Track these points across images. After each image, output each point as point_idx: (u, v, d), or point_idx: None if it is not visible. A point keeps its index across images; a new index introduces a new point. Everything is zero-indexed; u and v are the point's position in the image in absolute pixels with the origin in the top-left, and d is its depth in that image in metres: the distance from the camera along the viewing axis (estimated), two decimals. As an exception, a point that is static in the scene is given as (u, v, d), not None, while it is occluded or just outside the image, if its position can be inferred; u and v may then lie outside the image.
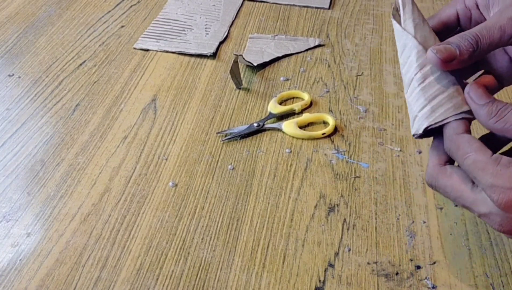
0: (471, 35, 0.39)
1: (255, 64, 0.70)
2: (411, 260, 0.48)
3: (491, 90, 0.42)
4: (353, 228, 0.50)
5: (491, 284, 0.46)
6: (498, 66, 0.44)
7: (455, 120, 0.40)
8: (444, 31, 0.44)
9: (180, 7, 0.84)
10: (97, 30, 0.79)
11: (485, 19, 0.42)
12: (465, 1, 0.43)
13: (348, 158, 0.57)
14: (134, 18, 0.81)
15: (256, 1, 0.85)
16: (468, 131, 0.39)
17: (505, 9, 0.39)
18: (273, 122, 0.62)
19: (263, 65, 0.71)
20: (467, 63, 0.40)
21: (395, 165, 0.57)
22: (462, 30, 0.42)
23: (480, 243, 0.49)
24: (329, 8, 0.84)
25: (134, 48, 0.75)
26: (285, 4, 0.85)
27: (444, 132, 0.40)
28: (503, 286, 0.46)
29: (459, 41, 0.39)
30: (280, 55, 0.73)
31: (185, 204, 0.53)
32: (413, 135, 0.43)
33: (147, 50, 0.74)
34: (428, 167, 0.42)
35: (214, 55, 0.73)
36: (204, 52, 0.73)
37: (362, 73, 0.70)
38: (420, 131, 0.41)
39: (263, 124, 0.61)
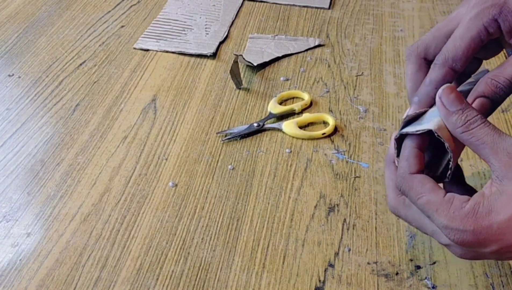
0: (503, 83, 0.38)
1: (255, 64, 0.70)
2: (411, 260, 0.48)
3: (483, 114, 0.40)
4: (353, 228, 0.50)
5: (491, 284, 0.46)
6: None
7: (408, 154, 0.38)
8: (466, 67, 0.40)
9: (180, 7, 0.84)
10: (97, 30, 0.79)
11: (500, 44, 0.41)
12: (488, 29, 0.39)
13: (348, 158, 0.57)
14: (134, 18, 0.81)
15: (256, 1, 0.85)
16: (421, 169, 0.38)
17: None
18: (273, 122, 0.62)
19: (263, 65, 0.71)
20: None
21: (395, 165, 0.56)
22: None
23: (480, 243, 0.49)
24: (329, 8, 0.84)
25: (134, 48, 0.75)
26: (285, 4, 0.85)
27: (399, 167, 0.39)
28: (503, 286, 0.46)
29: (492, 91, 0.38)
30: (280, 55, 0.73)
31: (185, 204, 0.53)
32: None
33: (147, 50, 0.74)
34: (387, 196, 0.41)
35: (214, 55, 0.73)
36: (204, 52, 0.73)
37: (362, 73, 0.70)
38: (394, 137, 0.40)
39: (263, 124, 0.61)
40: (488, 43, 0.40)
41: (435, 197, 0.36)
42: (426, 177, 0.38)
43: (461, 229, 0.35)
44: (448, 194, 0.36)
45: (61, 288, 0.45)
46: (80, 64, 0.72)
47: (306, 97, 0.65)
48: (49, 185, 0.54)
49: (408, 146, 0.39)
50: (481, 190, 0.37)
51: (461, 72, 0.41)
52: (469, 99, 0.39)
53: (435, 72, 0.40)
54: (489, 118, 0.42)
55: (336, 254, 0.48)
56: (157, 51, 0.74)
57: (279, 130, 0.61)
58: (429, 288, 0.45)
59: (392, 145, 0.41)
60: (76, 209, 0.52)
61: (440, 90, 0.38)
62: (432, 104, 0.40)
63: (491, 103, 0.38)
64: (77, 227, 0.50)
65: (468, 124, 0.36)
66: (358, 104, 0.64)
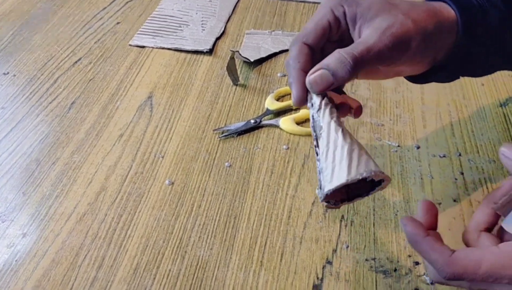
0: (351, 59, 0.39)
1: (252, 60, 0.70)
2: (409, 256, 0.47)
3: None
4: (351, 225, 0.50)
5: (490, 280, 0.45)
6: None
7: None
8: (321, 43, 0.43)
9: (176, 3, 0.84)
10: (93, 27, 0.78)
11: (347, 31, 0.42)
12: (334, 11, 0.42)
13: (345, 154, 0.57)
14: (129, 15, 0.81)
15: (253, -4, 0.85)
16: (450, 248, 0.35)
17: (382, 34, 0.39)
18: (270, 119, 0.61)
19: (260, 61, 0.71)
20: (347, 80, 0.40)
21: (393, 160, 0.56)
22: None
23: (479, 238, 0.49)
24: (326, 3, 0.83)
25: (130, 45, 0.74)
26: (281, -1, 0.84)
27: (434, 260, 0.35)
28: (502, 282, 0.45)
29: (336, 67, 0.39)
30: (277, 50, 0.72)
31: (181, 202, 0.52)
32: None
33: (143, 46, 0.74)
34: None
35: (210, 52, 0.73)
36: (201, 48, 0.73)
37: (360, 68, 0.69)
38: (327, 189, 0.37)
39: (260, 121, 0.61)
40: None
41: (492, 255, 0.34)
42: (466, 248, 0.36)
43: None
44: (501, 244, 0.34)
45: (57, 289, 0.45)
46: (76, 62, 0.71)
47: (303, 92, 0.64)
48: (45, 184, 0.54)
49: (420, 238, 0.36)
50: None
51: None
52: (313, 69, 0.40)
53: (292, 49, 0.42)
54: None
55: (334, 251, 0.48)
56: (153, 47, 0.74)
57: (276, 126, 0.60)
58: (427, 284, 0.45)
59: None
60: (72, 209, 0.52)
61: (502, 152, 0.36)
62: (300, 78, 0.41)
63: (333, 78, 0.39)
64: (73, 227, 0.50)
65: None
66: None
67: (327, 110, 0.40)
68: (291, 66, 0.42)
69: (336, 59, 0.39)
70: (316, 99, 0.40)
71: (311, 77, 0.40)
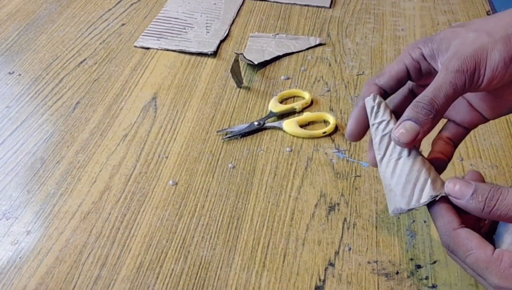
0: (426, 102, 0.38)
1: (256, 63, 0.70)
2: (412, 259, 0.48)
3: (456, 142, 0.44)
4: (354, 227, 0.50)
5: (491, 284, 0.46)
6: (458, 116, 0.44)
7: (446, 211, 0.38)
8: (395, 86, 0.43)
9: (181, 5, 0.84)
10: (98, 28, 0.79)
11: (434, 69, 0.41)
12: (412, 54, 0.42)
13: (348, 157, 0.57)
14: (134, 16, 0.81)
15: (257, 0, 0.85)
16: (462, 222, 0.38)
17: (448, 63, 0.38)
18: (274, 121, 0.62)
19: (264, 64, 0.71)
20: (431, 129, 0.39)
21: (395, 164, 0.56)
22: (413, 81, 0.43)
23: (480, 242, 0.49)
24: (330, 7, 0.84)
25: (135, 46, 0.75)
26: (286, 3, 0.85)
27: (439, 226, 0.38)
28: None
29: (416, 114, 0.38)
30: (281, 54, 0.73)
31: (185, 202, 0.53)
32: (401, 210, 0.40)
33: (148, 48, 0.74)
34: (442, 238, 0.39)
35: (214, 54, 0.73)
36: (205, 50, 0.73)
37: (363, 72, 0.70)
38: (424, 200, 0.39)
39: (264, 123, 0.61)
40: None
41: (484, 254, 0.36)
42: (471, 232, 0.37)
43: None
44: (497, 250, 0.36)
45: (60, 286, 0.45)
46: (81, 62, 0.72)
47: (307, 96, 0.65)
48: (49, 183, 0.54)
49: (436, 205, 0.39)
50: None
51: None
52: (396, 124, 0.40)
53: (363, 89, 0.43)
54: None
55: (337, 253, 0.48)
56: (157, 49, 0.74)
57: (280, 129, 0.61)
58: (429, 287, 0.45)
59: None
60: (76, 207, 0.52)
61: (446, 188, 0.38)
62: (356, 115, 0.43)
63: (418, 125, 0.38)
64: (77, 225, 0.50)
65: (487, 202, 0.36)
66: (359, 103, 0.64)
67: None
68: (356, 104, 0.43)
69: (413, 106, 0.38)
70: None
71: (395, 131, 0.39)
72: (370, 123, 0.42)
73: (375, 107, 0.41)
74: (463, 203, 0.37)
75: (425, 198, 0.38)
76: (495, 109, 0.43)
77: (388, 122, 0.41)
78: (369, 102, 0.41)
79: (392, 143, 0.40)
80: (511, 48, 0.37)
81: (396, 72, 0.42)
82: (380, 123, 0.41)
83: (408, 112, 0.39)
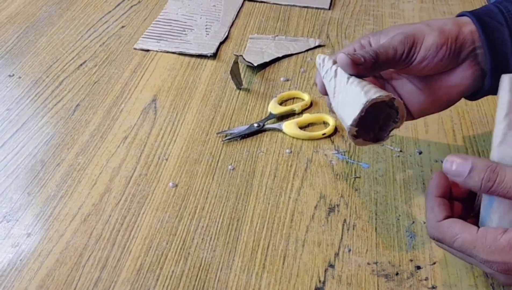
0: (372, 50, 0.46)
1: (255, 65, 0.70)
2: (411, 260, 0.48)
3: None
4: (353, 229, 0.50)
5: (491, 285, 0.46)
6: (405, 95, 0.51)
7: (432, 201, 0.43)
8: None
9: (180, 7, 0.84)
10: (98, 30, 0.79)
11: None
12: (361, 41, 0.50)
13: (348, 158, 0.57)
14: (134, 19, 0.82)
15: (257, 2, 0.85)
16: (448, 215, 0.41)
17: (395, 35, 0.47)
18: (273, 123, 0.62)
19: (264, 66, 0.71)
20: (369, 72, 0.46)
21: (395, 165, 0.57)
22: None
23: (480, 243, 0.49)
24: (329, 9, 0.84)
25: (135, 49, 0.75)
26: (285, 5, 0.85)
27: (427, 219, 0.43)
28: (503, 287, 0.46)
29: (364, 53, 0.46)
30: (280, 55, 0.73)
31: (185, 204, 0.53)
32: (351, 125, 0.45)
33: (148, 50, 0.74)
34: (428, 227, 0.43)
35: (214, 56, 0.73)
36: (205, 52, 0.73)
37: (362, 73, 0.70)
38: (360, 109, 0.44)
39: (263, 125, 0.61)
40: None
41: (469, 235, 0.39)
42: (454, 220, 0.40)
43: (500, 261, 0.37)
44: (481, 229, 0.39)
45: (61, 289, 0.45)
46: (81, 65, 0.72)
47: (306, 97, 0.65)
48: (50, 185, 0.55)
49: (430, 197, 0.43)
50: None
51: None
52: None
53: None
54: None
55: (336, 254, 0.48)
56: (157, 51, 0.74)
57: (279, 130, 0.61)
58: (429, 288, 0.45)
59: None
60: (76, 210, 0.52)
61: (445, 166, 0.40)
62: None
63: (361, 57, 0.45)
64: (78, 228, 0.50)
65: (485, 183, 0.38)
66: (358, 105, 0.64)
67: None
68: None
69: (360, 50, 0.47)
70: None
71: (345, 52, 0.46)
72: (322, 78, 0.50)
73: (321, 63, 0.50)
74: (461, 181, 0.39)
75: (358, 108, 0.44)
76: (422, 104, 0.50)
77: (331, 67, 0.49)
78: (317, 61, 0.51)
79: (337, 81, 0.48)
80: (444, 38, 0.46)
81: (347, 50, 0.49)
82: (326, 71, 0.49)
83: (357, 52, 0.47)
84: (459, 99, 0.50)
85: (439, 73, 0.48)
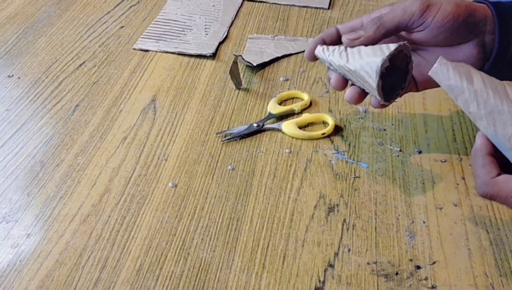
0: (376, 16, 0.49)
1: (255, 65, 0.70)
2: (411, 260, 0.48)
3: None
4: (353, 228, 0.50)
5: (491, 284, 0.46)
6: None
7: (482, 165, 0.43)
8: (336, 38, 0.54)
9: (179, 7, 0.84)
10: (97, 30, 0.79)
11: None
12: (363, 19, 0.52)
13: (347, 158, 0.57)
14: (133, 19, 0.81)
15: (256, 2, 0.85)
16: (499, 172, 0.42)
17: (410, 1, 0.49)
18: (273, 123, 0.62)
19: (263, 66, 0.71)
20: (374, 39, 0.49)
21: (394, 165, 0.57)
22: None
23: (480, 243, 0.49)
24: (328, 8, 0.84)
25: (134, 49, 0.75)
26: (284, 4, 0.85)
27: (478, 176, 0.42)
28: (503, 286, 0.46)
29: (366, 24, 0.49)
30: (279, 55, 0.73)
31: (184, 204, 0.53)
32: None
33: (147, 50, 0.74)
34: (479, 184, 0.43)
35: (213, 56, 0.73)
36: (204, 52, 0.73)
37: (362, 73, 0.70)
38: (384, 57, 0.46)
39: (263, 125, 0.61)
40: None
41: None
42: (508, 176, 0.41)
43: None
44: None
45: (61, 289, 0.45)
46: (80, 65, 0.72)
47: (306, 97, 0.65)
48: (49, 186, 0.55)
49: (480, 154, 0.43)
50: None
51: None
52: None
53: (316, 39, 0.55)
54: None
55: (336, 254, 0.48)
56: (156, 51, 0.74)
57: (279, 130, 0.61)
58: (429, 288, 0.45)
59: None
60: (76, 210, 0.52)
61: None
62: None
63: (363, 31, 0.49)
64: (77, 228, 0.50)
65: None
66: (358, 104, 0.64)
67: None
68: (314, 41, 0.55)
69: (368, 20, 0.50)
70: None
71: (346, 36, 0.50)
72: (327, 57, 0.52)
73: (325, 48, 0.52)
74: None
75: (393, 46, 0.46)
76: (426, 76, 0.48)
77: (339, 46, 0.51)
78: (319, 49, 0.53)
79: (349, 50, 0.50)
80: (461, 10, 0.47)
81: (354, 23, 0.53)
82: (333, 50, 0.51)
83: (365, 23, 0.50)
84: None
85: (447, 47, 0.49)
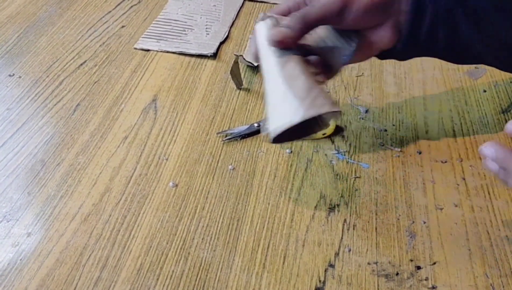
0: (299, 13, 0.47)
1: (256, 64, 0.70)
2: (411, 260, 0.48)
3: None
4: (354, 229, 0.50)
5: (491, 285, 0.46)
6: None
7: None
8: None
9: (180, 7, 0.84)
10: (98, 30, 0.79)
11: None
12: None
13: (348, 158, 0.57)
14: (134, 18, 0.82)
15: (257, 1, 0.85)
16: None
17: None
18: (274, 123, 0.62)
19: (264, 66, 0.71)
20: (301, 37, 0.47)
21: (395, 165, 0.57)
22: None
23: (480, 243, 0.49)
24: (329, 9, 0.84)
25: (135, 48, 0.75)
26: (285, 5, 0.85)
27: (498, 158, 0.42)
28: (503, 287, 0.46)
29: (289, 22, 0.47)
30: (280, 55, 0.73)
31: (185, 204, 0.53)
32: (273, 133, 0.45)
33: (148, 50, 0.74)
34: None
35: (214, 56, 0.73)
36: (205, 52, 0.73)
37: (363, 73, 0.70)
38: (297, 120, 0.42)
39: (264, 125, 0.61)
40: None
41: None
42: None
43: None
44: None
45: (61, 288, 0.45)
46: (81, 64, 0.72)
47: (307, 97, 0.65)
48: (50, 185, 0.55)
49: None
50: None
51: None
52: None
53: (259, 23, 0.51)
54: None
55: (337, 254, 0.48)
56: (157, 51, 0.74)
57: (280, 130, 0.61)
58: (429, 288, 0.46)
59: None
60: (76, 209, 0.52)
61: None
62: None
63: (288, 29, 0.47)
64: (78, 227, 0.50)
65: None
66: (359, 105, 0.64)
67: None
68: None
69: (288, 17, 0.48)
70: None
71: (270, 33, 0.47)
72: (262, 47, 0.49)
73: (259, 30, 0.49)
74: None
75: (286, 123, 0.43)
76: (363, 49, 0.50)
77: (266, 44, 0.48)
78: (257, 27, 0.49)
79: (270, 63, 0.47)
80: (372, 1, 0.47)
81: (281, 12, 0.51)
82: (262, 45, 0.48)
83: (283, 21, 0.48)
84: (375, 55, 0.52)
85: (367, 28, 0.49)
